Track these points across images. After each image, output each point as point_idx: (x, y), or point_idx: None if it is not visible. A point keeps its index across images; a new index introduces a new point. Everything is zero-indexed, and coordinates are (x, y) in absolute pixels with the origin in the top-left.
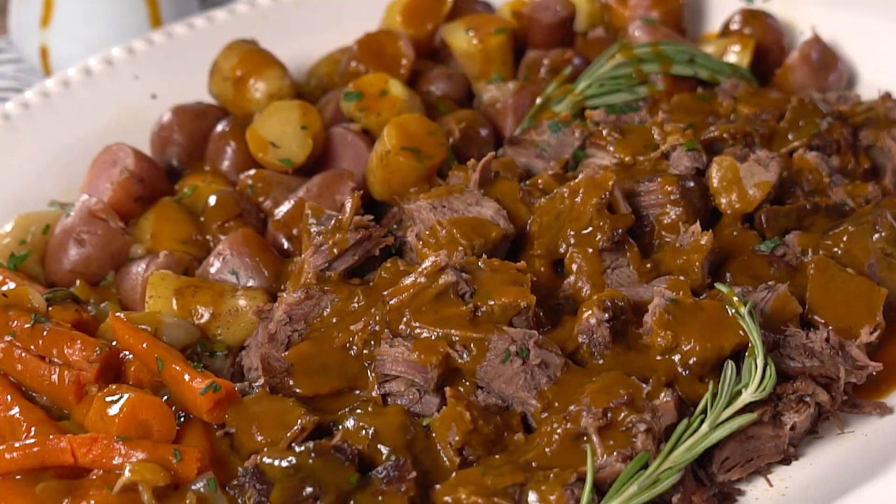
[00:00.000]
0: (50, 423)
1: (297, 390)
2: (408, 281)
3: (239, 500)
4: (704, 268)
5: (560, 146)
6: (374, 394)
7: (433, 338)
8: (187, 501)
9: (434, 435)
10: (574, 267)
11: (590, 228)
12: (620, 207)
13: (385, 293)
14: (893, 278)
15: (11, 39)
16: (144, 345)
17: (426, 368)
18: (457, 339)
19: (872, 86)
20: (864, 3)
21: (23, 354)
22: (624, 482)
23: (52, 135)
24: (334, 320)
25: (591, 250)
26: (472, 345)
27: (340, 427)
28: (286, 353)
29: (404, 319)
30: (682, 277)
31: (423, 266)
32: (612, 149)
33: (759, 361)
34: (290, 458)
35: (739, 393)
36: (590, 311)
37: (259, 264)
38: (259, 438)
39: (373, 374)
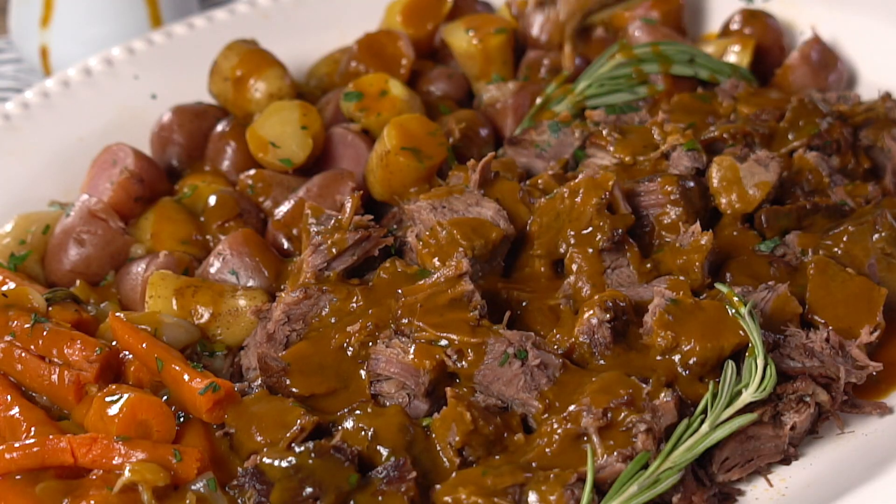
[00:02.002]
0: (50, 423)
1: (294, 389)
2: (428, 281)
3: (239, 500)
4: (704, 268)
5: (560, 146)
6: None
7: (431, 343)
8: (187, 501)
9: (434, 435)
10: (574, 267)
11: (590, 228)
12: (620, 207)
13: (399, 290)
14: (893, 278)
15: (11, 39)
16: (144, 345)
17: (419, 372)
18: (455, 342)
19: (872, 86)
20: (864, 3)
21: (23, 354)
22: (624, 482)
23: (52, 135)
24: (333, 320)
25: (591, 250)
26: (468, 349)
27: (340, 427)
28: (284, 352)
29: (406, 319)
30: (682, 277)
31: (444, 270)
32: (612, 149)
33: (760, 361)
34: (289, 459)
35: (739, 393)
36: (591, 311)
37: (259, 264)
38: (259, 438)
39: (366, 373)
